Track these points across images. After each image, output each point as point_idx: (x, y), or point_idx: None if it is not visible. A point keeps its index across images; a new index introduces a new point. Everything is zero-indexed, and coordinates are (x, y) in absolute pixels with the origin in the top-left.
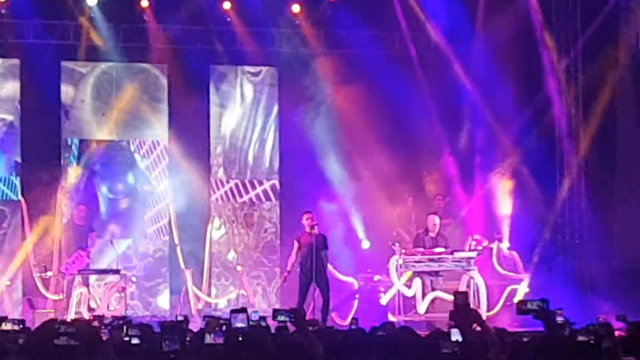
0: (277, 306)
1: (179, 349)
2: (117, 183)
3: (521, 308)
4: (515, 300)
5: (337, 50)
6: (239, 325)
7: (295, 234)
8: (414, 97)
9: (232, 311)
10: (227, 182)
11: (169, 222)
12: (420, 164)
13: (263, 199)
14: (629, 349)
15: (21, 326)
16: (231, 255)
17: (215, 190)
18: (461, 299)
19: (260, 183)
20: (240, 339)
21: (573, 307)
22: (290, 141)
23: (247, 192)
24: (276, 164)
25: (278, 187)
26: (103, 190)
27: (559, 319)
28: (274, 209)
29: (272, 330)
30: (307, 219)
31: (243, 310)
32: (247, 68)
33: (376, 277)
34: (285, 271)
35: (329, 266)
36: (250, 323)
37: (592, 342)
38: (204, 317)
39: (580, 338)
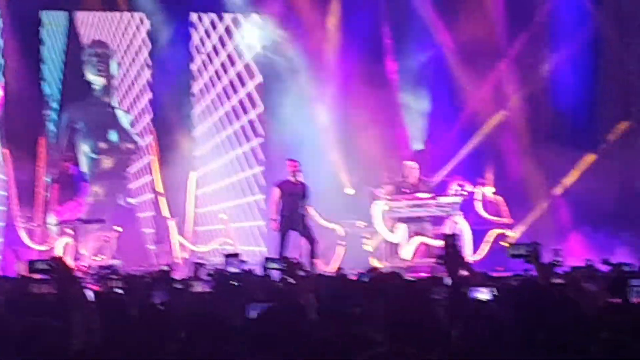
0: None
1: (168, 300)
2: (99, 142)
3: (511, 252)
4: (504, 243)
5: None
6: (233, 270)
7: (275, 181)
8: None
9: (227, 255)
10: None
11: (154, 179)
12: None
13: (246, 143)
14: (613, 291)
15: None
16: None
17: (200, 145)
18: (451, 242)
19: (249, 138)
20: (235, 284)
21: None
22: (275, 84)
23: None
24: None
25: (261, 128)
26: (84, 149)
27: (557, 260)
28: (258, 150)
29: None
30: (290, 166)
31: (236, 254)
32: (227, 15)
33: (360, 223)
34: (273, 219)
35: (313, 212)
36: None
37: (569, 284)
38: (193, 263)
39: (557, 281)
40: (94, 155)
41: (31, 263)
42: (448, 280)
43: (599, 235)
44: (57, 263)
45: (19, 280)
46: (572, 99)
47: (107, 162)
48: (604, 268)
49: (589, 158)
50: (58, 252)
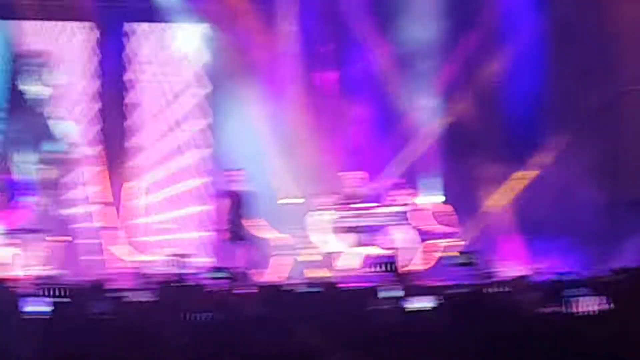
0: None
1: (109, 310)
2: (42, 152)
3: (452, 261)
4: (447, 253)
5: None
6: (182, 272)
7: (219, 191)
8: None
9: (175, 256)
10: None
11: (99, 189)
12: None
13: (193, 153)
14: (549, 300)
15: None
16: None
17: (146, 154)
18: (392, 257)
19: (196, 148)
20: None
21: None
22: (222, 94)
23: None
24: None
25: (209, 138)
26: (28, 159)
27: (497, 269)
28: (203, 160)
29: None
30: (234, 176)
31: (185, 255)
32: (174, 24)
33: (300, 233)
34: (217, 230)
35: (256, 222)
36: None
37: (506, 293)
38: (137, 273)
39: (492, 290)
40: (35, 166)
41: None
42: (387, 292)
43: (537, 244)
44: None
45: None
46: (517, 107)
47: (49, 173)
48: (541, 277)
49: (531, 167)
50: (6, 261)
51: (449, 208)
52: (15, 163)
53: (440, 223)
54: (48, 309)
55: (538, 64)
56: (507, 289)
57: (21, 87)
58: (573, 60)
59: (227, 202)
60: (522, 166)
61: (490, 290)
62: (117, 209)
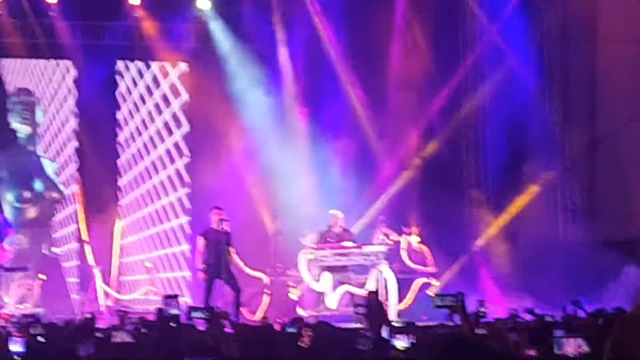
0: (187, 300)
1: (88, 349)
2: (23, 191)
3: (437, 303)
4: (430, 293)
5: (245, 45)
6: (173, 312)
7: (200, 230)
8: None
9: (165, 297)
10: (138, 186)
11: (78, 228)
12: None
13: (172, 193)
14: (535, 341)
15: None
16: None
17: (125, 194)
18: (373, 300)
19: (174, 188)
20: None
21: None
22: (201, 134)
23: (157, 195)
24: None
25: (187, 178)
26: (8, 198)
27: (482, 310)
28: (184, 200)
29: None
30: (216, 214)
31: (175, 296)
32: (154, 63)
33: (286, 272)
34: (199, 269)
35: (238, 260)
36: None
37: (493, 335)
38: (117, 311)
39: (479, 332)
40: (17, 205)
41: None
42: (368, 330)
43: (516, 284)
44: None
45: None
46: (499, 146)
47: (31, 212)
48: (528, 318)
49: (512, 207)
50: None
51: (427, 248)
52: None
53: (418, 263)
54: (24, 348)
55: (521, 105)
56: (490, 330)
57: (6, 125)
58: (557, 102)
59: (207, 241)
60: (503, 205)
61: (473, 330)
62: (98, 248)
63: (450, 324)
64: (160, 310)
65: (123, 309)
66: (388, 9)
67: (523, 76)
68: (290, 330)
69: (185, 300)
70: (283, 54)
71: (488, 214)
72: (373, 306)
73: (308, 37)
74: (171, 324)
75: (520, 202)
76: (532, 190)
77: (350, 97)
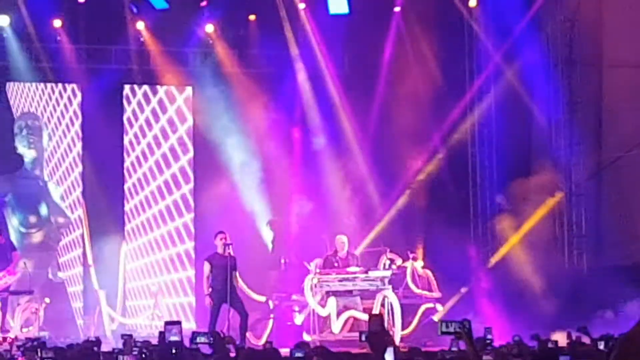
0: (192, 325)
1: None
2: (29, 215)
3: (443, 329)
4: (435, 318)
5: (251, 70)
6: (173, 339)
7: (205, 255)
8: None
9: (167, 323)
10: (144, 211)
11: (84, 252)
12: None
13: (177, 218)
14: None
15: None
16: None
17: (131, 219)
18: (376, 323)
19: (180, 214)
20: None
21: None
22: (206, 158)
23: (163, 221)
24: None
25: (192, 203)
26: (14, 222)
27: (488, 337)
28: (189, 225)
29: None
30: (220, 239)
31: (177, 322)
32: (161, 87)
33: (292, 297)
34: (206, 294)
35: (244, 286)
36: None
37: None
38: (122, 335)
39: (486, 358)
40: (23, 229)
41: None
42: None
43: (520, 310)
44: None
45: None
46: (502, 170)
47: (37, 236)
48: (532, 344)
49: (518, 233)
50: None
51: (431, 273)
52: (3, 225)
53: (423, 288)
54: None
55: (527, 129)
56: (495, 356)
57: (12, 149)
58: (564, 127)
59: (213, 266)
60: (507, 230)
61: (480, 357)
62: (103, 272)
63: (455, 349)
64: (161, 334)
65: (127, 333)
66: (394, 31)
67: (529, 100)
68: (298, 354)
69: (191, 326)
70: (290, 76)
71: (510, 222)
72: (375, 330)
73: (310, 59)
74: (173, 350)
75: (526, 227)
76: (539, 214)
77: (353, 120)
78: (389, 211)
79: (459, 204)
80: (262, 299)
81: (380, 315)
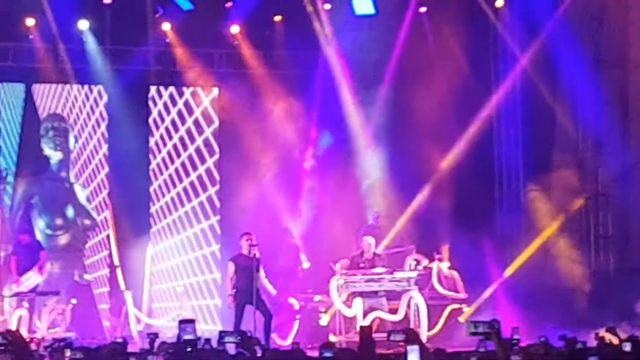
0: (218, 327)
1: None
2: (55, 218)
3: (472, 330)
4: (461, 319)
5: (277, 71)
6: (188, 337)
7: (230, 255)
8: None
9: (181, 322)
10: (170, 213)
11: (110, 254)
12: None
13: (203, 220)
14: None
15: None
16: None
17: (157, 221)
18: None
19: (206, 216)
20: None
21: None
22: (232, 160)
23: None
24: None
25: (218, 205)
26: (40, 225)
27: (516, 337)
28: (215, 227)
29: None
30: (246, 240)
31: (192, 321)
32: (187, 88)
33: (317, 298)
34: (230, 295)
35: (269, 287)
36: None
37: None
38: (148, 334)
39: (514, 358)
40: (49, 232)
41: None
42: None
43: (546, 311)
44: (12, 335)
45: None
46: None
47: (63, 238)
48: (559, 344)
49: (547, 232)
50: (12, 324)
51: (457, 274)
52: (30, 227)
53: (449, 288)
54: None
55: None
56: (523, 356)
57: (38, 151)
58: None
59: (237, 267)
60: (533, 232)
61: (509, 357)
62: (129, 274)
63: (482, 350)
64: (182, 336)
65: (150, 334)
66: (418, 31)
67: (554, 100)
68: (327, 355)
69: (217, 328)
70: (315, 77)
71: (519, 240)
72: (404, 329)
73: (336, 60)
74: (188, 349)
75: (551, 229)
76: (564, 215)
77: (378, 120)
78: (414, 211)
79: (483, 203)
80: (288, 300)
81: (370, 327)
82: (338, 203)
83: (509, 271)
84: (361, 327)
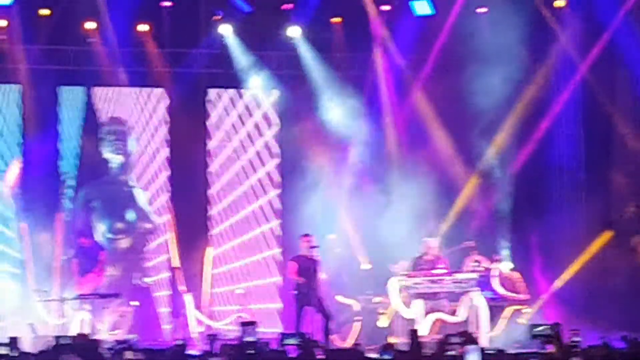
0: (278, 329)
1: None
2: (116, 221)
3: (533, 332)
4: (522, 321)
5: (337, 73)
6: (249, 339)
7: (291, 256)
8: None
9: (242, 324)
10: (228, 217)
11: (170, 257)
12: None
13: (264, 223)
14: None
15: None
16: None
17: (216, 224)
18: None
19: (267, 219)
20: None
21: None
22: (293, 163)
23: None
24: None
25: (280, 207)
26: (101, 229)
27: (575, 339)
28: (276, 230)
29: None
30: (306, 242)
31: (253, 323)
32: (245, 91)
33: (376, 299)
34: (290, 294)
35: (329, 288)
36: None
37: None
38: (207, 336)
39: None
40: (110, 235)
41: (56, 338)
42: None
43: (612, 313)
44: (82, 339)
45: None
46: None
47: (123, 242)
48: (620, 345)
49: (605, 235)
50: (75, 326)
51: (519, 275)
52: (90, 230)
53: (509, 290)
54: None
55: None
56: (584, 358)
57: (98, 154)
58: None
59: (299, 269)
60: (595, 235)
61: (567, 358)
62: (189, 277)
63: (542, 351)
64: (243, 338)
65: (212, 335)
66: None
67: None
68: (386, 357)
69: (277, 331)
70: (375, 79)
71: (581, 242)
72: (465, 331)
73: (395, 61)
74: (249, 351)
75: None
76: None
77: (437, 120)
78: (470, 211)
79: (541, 205)
80: (348, 301)
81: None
82: (400, 204)
83: (568, 273)
84: (410, 329)
